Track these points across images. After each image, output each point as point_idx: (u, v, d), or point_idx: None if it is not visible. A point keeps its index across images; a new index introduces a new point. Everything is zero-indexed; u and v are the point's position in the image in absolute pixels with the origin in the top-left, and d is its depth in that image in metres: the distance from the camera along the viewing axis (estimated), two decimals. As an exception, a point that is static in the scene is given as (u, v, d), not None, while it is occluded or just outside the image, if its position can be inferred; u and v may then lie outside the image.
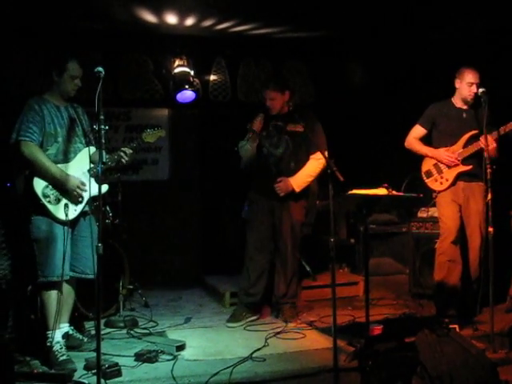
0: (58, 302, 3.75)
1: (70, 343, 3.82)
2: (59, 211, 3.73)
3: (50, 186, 3.73)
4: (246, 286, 4.86)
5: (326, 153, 4.49)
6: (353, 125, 6.85)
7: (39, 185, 3.70)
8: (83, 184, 3.78)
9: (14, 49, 5.87)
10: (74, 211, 3.80)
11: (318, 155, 4.59)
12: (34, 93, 3.93)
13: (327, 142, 4.77)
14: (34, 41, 5.91)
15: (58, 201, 3.74)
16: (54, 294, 3.74)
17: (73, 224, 3.85)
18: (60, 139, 3.83)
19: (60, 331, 3.75)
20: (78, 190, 3.75)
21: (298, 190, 4.67)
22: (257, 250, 4.82)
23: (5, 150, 4.39)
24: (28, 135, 3.67)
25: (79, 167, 3.83)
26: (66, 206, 3.75)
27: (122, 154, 3.96)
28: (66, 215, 3.73)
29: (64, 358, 3.62)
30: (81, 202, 3.82)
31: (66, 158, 3.84)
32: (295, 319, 4.74)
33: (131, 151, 4.00)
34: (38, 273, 3.73)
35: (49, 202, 3.70)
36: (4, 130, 4.82)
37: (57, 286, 3.74)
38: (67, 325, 3.91)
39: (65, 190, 3.75)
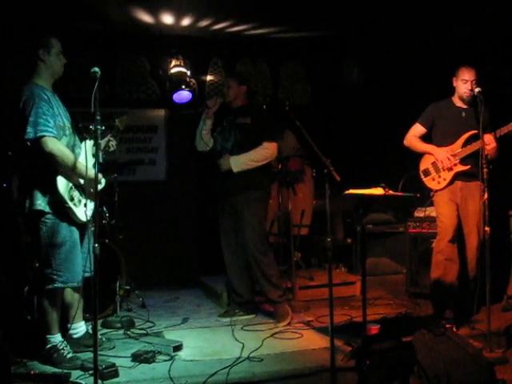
0: (62, 304, 3.73)
1: (89, 342, 3.74)
2: (81, 213, 3.61)
3: (73, 187, 3.61)
4: (231, 286, 4.97)
5: (273, 144, 4.71)
6: (350, 125, 6.87)
7: (66, 187, 3.54)
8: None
9: (10, 50, 5.86)
10: (90, 210, 3.68)
11: (265, 145, 4.70)
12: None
13: (324, 141, 4.77)
14: (30, 42, 5.89)
15: (79, 202, 3.64)
16: (60, 299, 3.69)
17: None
18: (67, 132, 3.68)
19: (60, 334, 3.71)
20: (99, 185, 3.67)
21: (235, 169, 4.68)
22: (228, 253, 4.88)
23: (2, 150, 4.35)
24: (49, 130, 3.44)
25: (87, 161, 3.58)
26: (85, 205, 3.62)
27: (110, 144, 3.96)
28: (86, 215, 3.61)
29: (71, 355, 3.63)
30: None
31: (74, 153, 3.66)
32: (285, 318, 4.64)
33: (116, 142, 4.01)
34: (50, 277, 3.56)
35: (74, 204, 3.58)
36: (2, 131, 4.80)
37: (64, 290, 3.72)
38: (83, 322, 3.93)
39: (85, 186, 3.64)
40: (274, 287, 4.76)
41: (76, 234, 3.68)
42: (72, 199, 3.59)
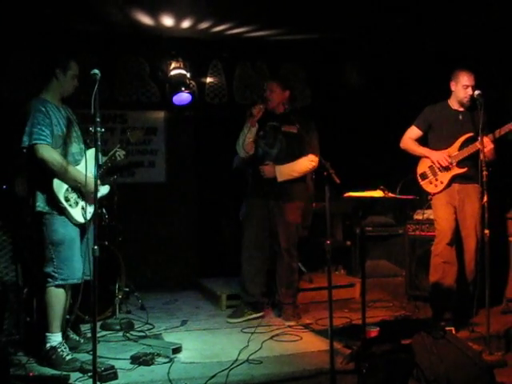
0: (64, 304, 3.78)
1: (67, 344, 3.80)
2: (78, 214, 3.75)
3: (70, 189, 3.73)
4: (243, 285, 4.94)
5: (317, 157, 4.65)
6: (349, 127, 6.86)
7: (60, 188, 3.67)
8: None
9: (10, 51, 5.86)
10: (89, 213, 3.81)
11: (311, 157, 4.73)
12: (30, 96, 3.87)
13: (323, 144, 4.80)
14: (30, 43, 5.90)
15: (76, 204, 3.75)
16: (62, 297, 3.75)
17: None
18: (67, 141, 3.82)
19: (60, 333, 3.75)
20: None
21: (280, 179, 4.73)
22: (251, 251, 4.87)
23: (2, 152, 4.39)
24: (43, 138, 3.63)
25: (88, 169, 3.74)
26: (82, 208, 3.77)
27: (117, 154, 4.03)
28: (85, 218, 3.75)
29: (70, 357, 3.64)
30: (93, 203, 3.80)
31: (75, 160, 3.83)
32: (295, 318, 4.80)
33: (124, 152, 4.08)
34: (51, 275, 3.67)
35: (70, 205, 3.70)
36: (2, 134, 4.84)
37: (66, 288, 3.77)
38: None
39: (83, 190, 3.75)
40: (290, 293, 4.90)
41: (74, 231, 3.76)
42: (67, 200, 3.71)
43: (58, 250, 3.69)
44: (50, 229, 3.70)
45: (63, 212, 3.69)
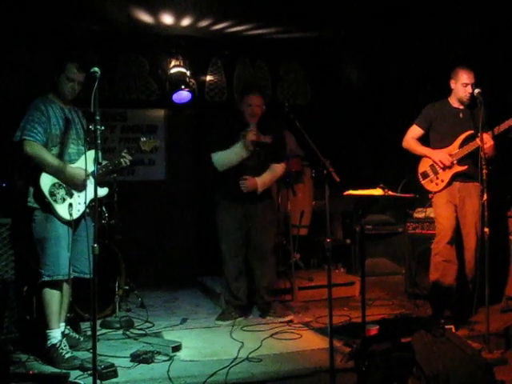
0: (60, 300, 3.79)
1: (67, 342, 3.81)
2: (64, 211, 3.75)
3: (57, 185, 3.74)
4: (229, 291, 4.92)
5: (284, 164, 4.96)
6: (349, 125, 6.87)
7: (46, 183, 3.70)
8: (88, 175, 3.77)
9: (12, 50, 5.86)
10: (77, 211, 3.81)
11: (283, 164, 4.93)
12: (31, 93, 3.90)
13: (323, 142, 4.79)
14: (32, 42, 5.90)
15: (63, 200, 3.76)
16: (56, 293, 3.77)
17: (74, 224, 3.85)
18: (65, 140, 3.84)
19: (60, 330, 3.78)
20: (86, 182, 3.74)
21: (260, 189, 4.75)
22: (231, 257, 4.86)
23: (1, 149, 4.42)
24: (32, 135, 3.67)
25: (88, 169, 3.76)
26: (70, 205, 3.77)
27: (122, 160, 4.04)
28: (71, 215, 3.75)
29: (69, 355, 3.66)
30: (83, 190, 3.81)
31: (71, 159, 3.85)
32: (288, 313, 4.83)
33: (131, 158, 4.09)
34: (40, 272, 3.71)
35: (55, 200, 3.71)
36: (1, 130, 4.86)
37: (59, 284, 3.78)
38: (63, 324, 3.92)
39: (73, 182, 3.77)
40: (273, 290, 4.94)
41: (62, 228, 3.76)
42: (53, 195, 3.72)
43: (44, 247, 3.72)
44: (37, 225, 3.74)
45: (48, 207, 3.71)
